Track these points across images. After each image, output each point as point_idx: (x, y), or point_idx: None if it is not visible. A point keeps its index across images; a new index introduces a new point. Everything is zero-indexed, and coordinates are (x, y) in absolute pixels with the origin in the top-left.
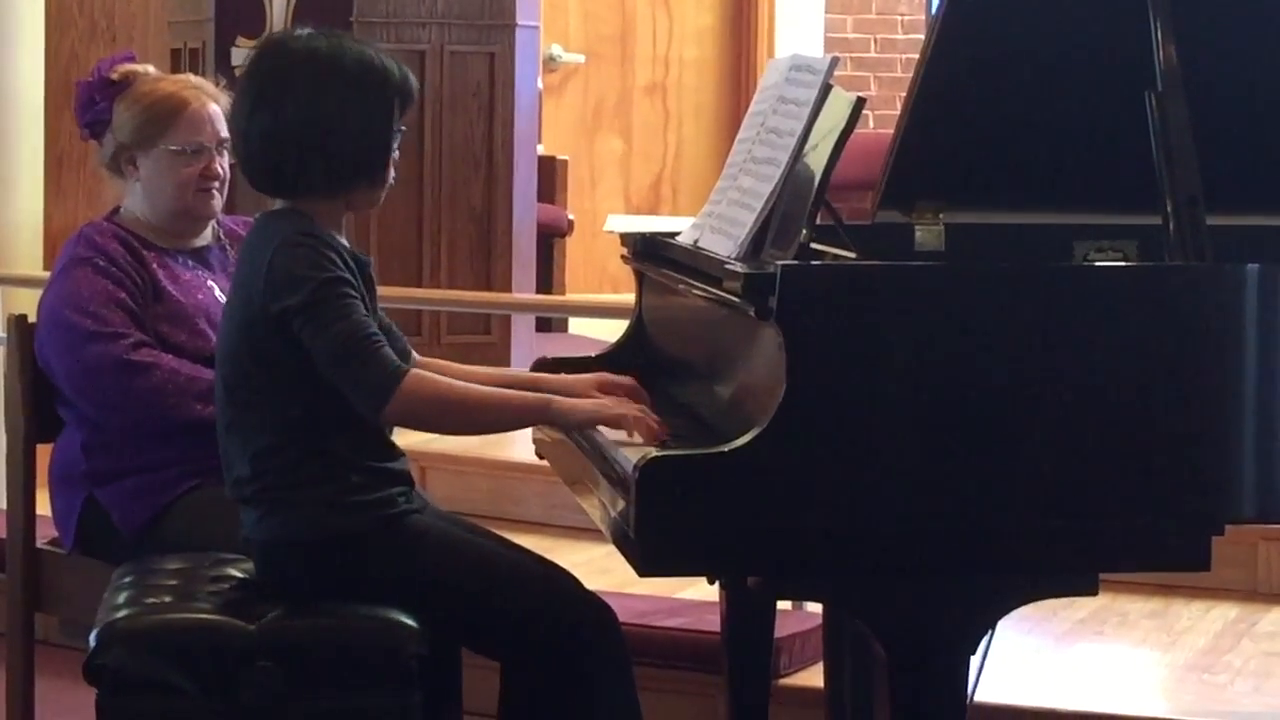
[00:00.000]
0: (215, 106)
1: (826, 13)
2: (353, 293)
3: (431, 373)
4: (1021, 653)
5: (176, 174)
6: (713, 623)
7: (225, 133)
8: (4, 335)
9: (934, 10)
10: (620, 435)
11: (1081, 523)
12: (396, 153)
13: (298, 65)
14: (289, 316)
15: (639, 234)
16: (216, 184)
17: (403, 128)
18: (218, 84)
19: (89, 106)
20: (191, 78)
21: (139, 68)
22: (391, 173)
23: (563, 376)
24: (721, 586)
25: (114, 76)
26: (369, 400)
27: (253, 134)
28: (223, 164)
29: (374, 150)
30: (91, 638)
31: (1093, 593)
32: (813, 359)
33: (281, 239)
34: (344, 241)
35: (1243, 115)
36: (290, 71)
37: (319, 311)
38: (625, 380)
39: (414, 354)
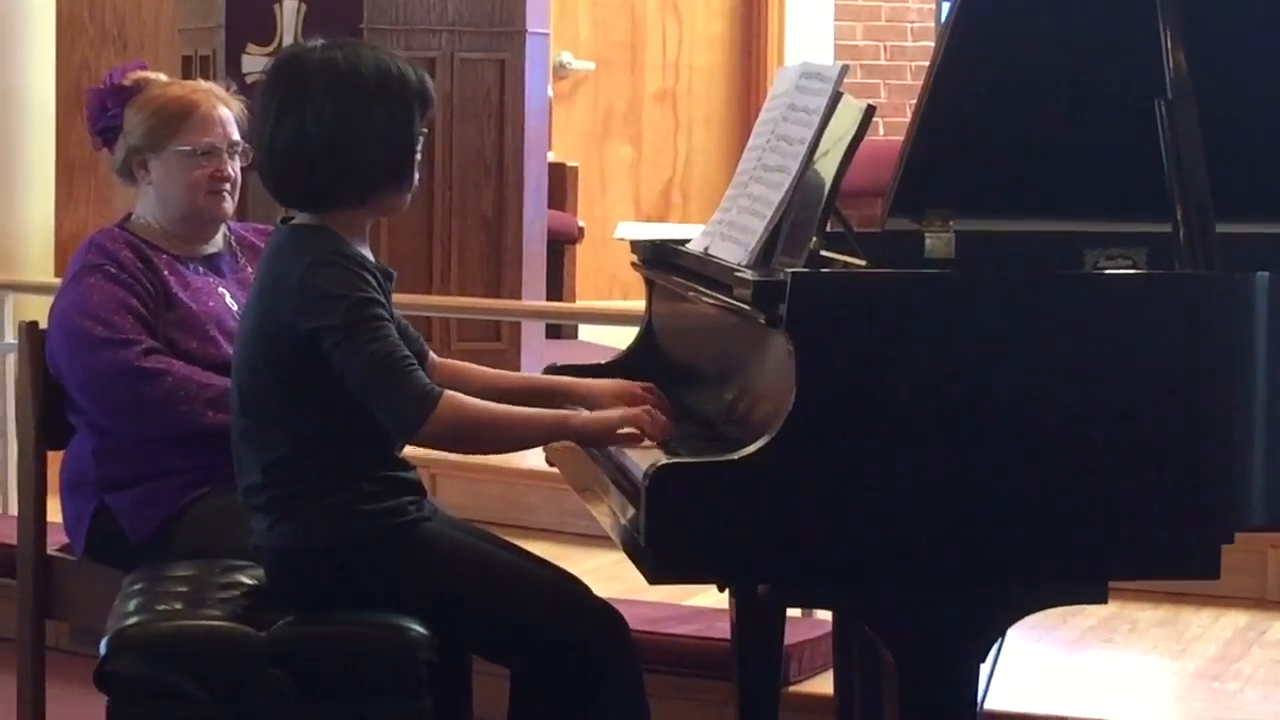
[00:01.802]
0: (226, 110)
1: (836, 20)
2: (385, 315)
3: (459, 391)
4: (1031, 661)
5: (188, 175)
6: (723, 630)
7: (236, 135)
8: (15, 342)
9: (944, 17)
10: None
11: (1091, 531)
12: (419, 155)
13: (317, 79)
14: (320, 335)
15: (649, 241)
16: (227, 186)
17: (424, 130)
18: (228, 89)
19: (101, 113)
20: (202, 82)
21: (150, 74)
22: (415, 174)
23: (585, 381)
24: (731, 594)
25: (125, 83)
26: (403, 424)
27: (277, 151)
28: (234, 166)
29: (399, 156)
30: (102, 644)
31: (1102, 601)
32: (823, 366)
33: (314, 257)
34: (369, 254)
35: (1253, 123)
36: (309, 86)
37: (352, 333)
38: (646, 387)
39: (430, 354)
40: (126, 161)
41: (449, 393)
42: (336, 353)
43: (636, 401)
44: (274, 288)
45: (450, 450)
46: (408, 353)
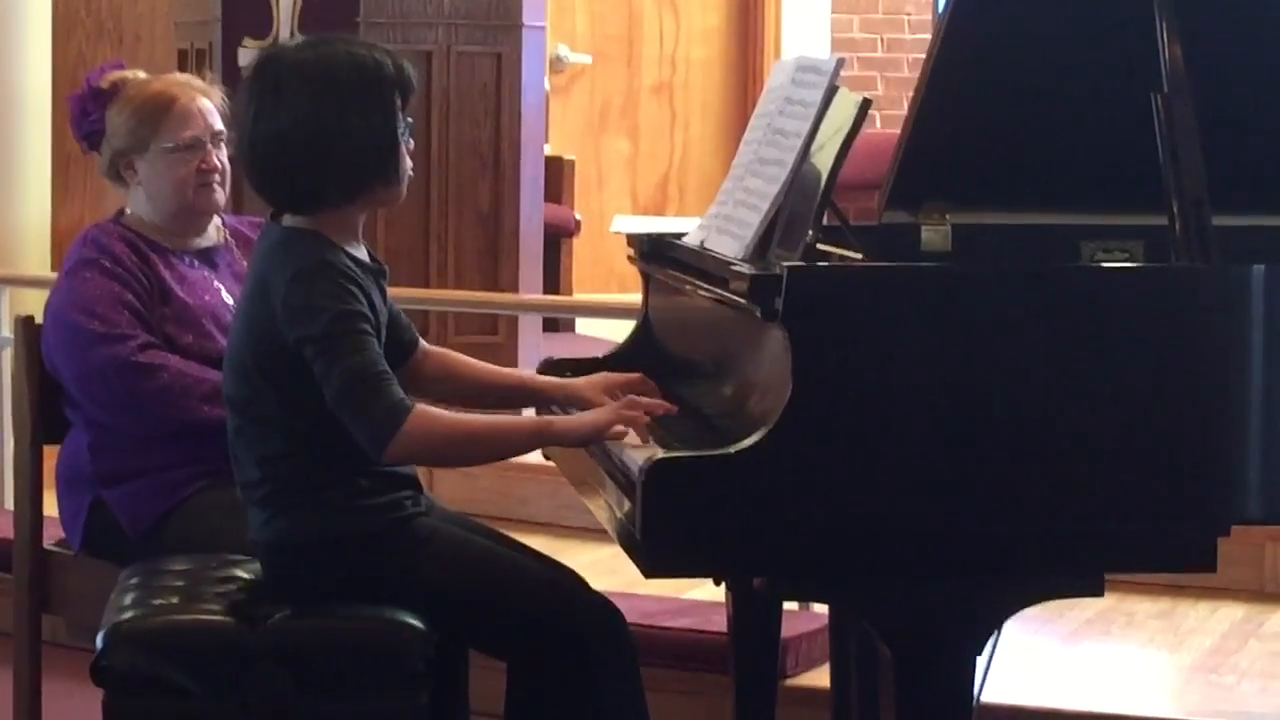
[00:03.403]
0: (206, 101)
1: (833, 12)
2: (366, 328)
3: (447, 386)
4: (1028, 653)
5: (174, 172)
6: (719, 623)
7: (219, 125)
8: (11, 336)
9: (941, 10)
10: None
11: (1087, 524)
12: (412, 143)
13: (290, 78)
14: (302, 346)
15: (646, 235)
16: (216, 177)
17: (409, 119)
18: (206, 79)
19: (83, 118)
20: (178, 75)
21: (128, 74)
22: (408, 164)
23: (567, 381)
24: (728, 587)
25: (103, 85)
26: (371, 440)
27: (257, 153)
28: (220, 157)
29: (383, 150)
30: (98, 639)
31: (1099, 593)
32: (819, 360)
33: (300, 265)
34: (361, 252)
35: (1249, 115)
36: (284, 86)
37: (331, 345)
38: (630, 378)
39: (421, 342)
40: (113, 164)
41: (420, 408)
42: (315, 366)
43: (618, 392)
44: (262, 294)
45: (426, 465)
46: (384, 368)
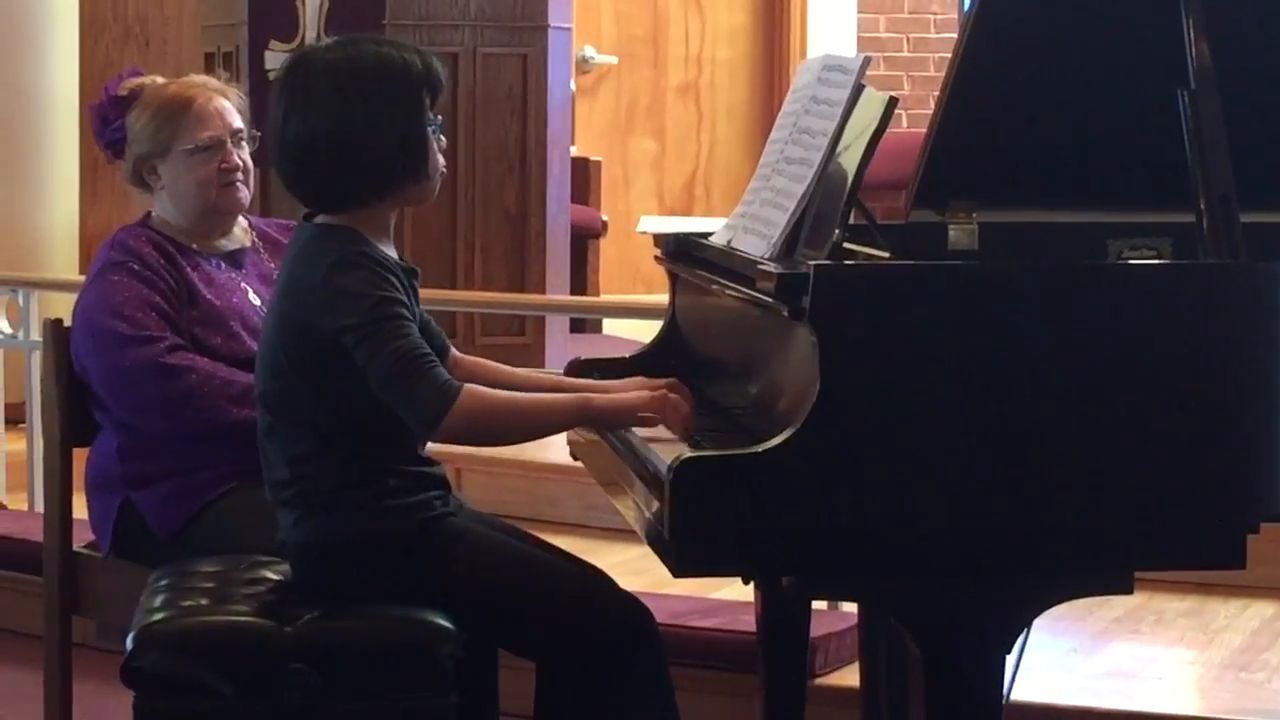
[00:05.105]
0: (223, 100)
1: (859, 12)
2: (407, 314)
3: (479, 384)
4: (1057, 652)
5: (196, 173)
6: (748, 623)
7: (238, 123)
8: (40, 339)
9: (966, 9)
10: (652, 432)
11: (1116, 522)
12: (443, 140)
13: (319, 79)
14: (343, 335)
15: (672, 234)
16: (239, 175)
17: (439, 117)
18: (221, 79)
19: (104, 127)
20: (195, 77)
21: (145, 80)
22: (440, 162)
23: (603, 382)
24: (756, 586)
25: (122, 93)
26: (423, 420)
27: (288, 153)
28: (242, 155)
29: (411, 148)
30: (128, 640)
31: (1128, 591)
32: (846, 359)
33: (335, 257)
34: (393, 252)
35: (1276, 111)
36: (312, 87)
37: (374, 331)
38: (665, 383)
39: (453, 350)
40: (136, 170)
41: (469, 386)
42: (358, 352)
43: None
44: (296, 288)
45: (474, 444)
46: (428, 350)
